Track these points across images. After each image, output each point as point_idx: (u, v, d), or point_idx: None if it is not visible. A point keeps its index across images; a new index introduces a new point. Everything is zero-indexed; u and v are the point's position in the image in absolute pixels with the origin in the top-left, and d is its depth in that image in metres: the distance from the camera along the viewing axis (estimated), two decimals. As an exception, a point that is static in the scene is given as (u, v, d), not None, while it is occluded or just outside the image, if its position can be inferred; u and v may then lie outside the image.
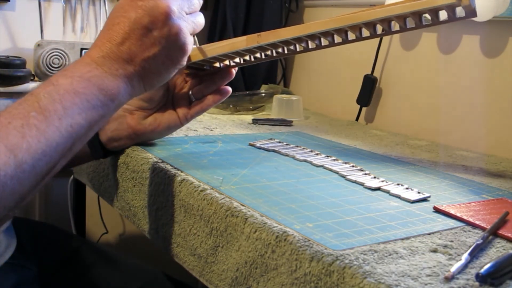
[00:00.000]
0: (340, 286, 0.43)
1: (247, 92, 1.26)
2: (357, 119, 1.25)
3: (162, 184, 0.68)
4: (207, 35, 1.44)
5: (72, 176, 1.32)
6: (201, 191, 0.61)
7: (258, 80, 1.41)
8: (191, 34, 0.60)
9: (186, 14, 0.59)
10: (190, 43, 0.60)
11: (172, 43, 0.57)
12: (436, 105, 1.10)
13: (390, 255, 0.46)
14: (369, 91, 1.21)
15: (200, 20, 0.62)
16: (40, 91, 0.50)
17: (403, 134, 1.09)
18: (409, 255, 0.47)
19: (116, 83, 0.54)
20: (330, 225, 0.52)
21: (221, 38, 1.39)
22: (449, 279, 0.42)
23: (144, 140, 0.77)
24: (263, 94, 1.24)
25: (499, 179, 0.76)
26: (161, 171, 0.69)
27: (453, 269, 0.43)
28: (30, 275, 0.76)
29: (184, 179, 0.64)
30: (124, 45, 0.55)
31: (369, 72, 1.21)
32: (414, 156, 0.88)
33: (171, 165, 0.69)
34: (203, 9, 0.65)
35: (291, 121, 1.09)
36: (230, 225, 0.55)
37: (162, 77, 0.59)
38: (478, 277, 0.42)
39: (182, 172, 0.67)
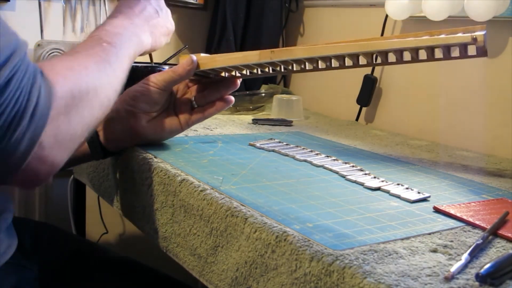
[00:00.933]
0: (340, 286, 0.43)
1: (247, 92, 1.26)
2: (357, 119, 1.25)
3: (162, 184, 0.68)
4: (207, 35, 1.44)
5: (72, 176, 1.32)
6: (201, 191, 0.61)
7: (258, 80, 1.41)
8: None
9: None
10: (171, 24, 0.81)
11: (165, 18, 0.78)
12: (436, 105, 1.10)
13: (390, 255, 0.46)
14: (369, 91, 1.21)
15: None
16: (97, 34, 0.63)
17: (403, 134, 1.09)
18: (409, 255, 0.47)
19: (139, 31, 0.71)
20: (330, 225, 0.52)
21: (221, 38, 1.39)
22: (449, 279, 0.42)
23: (145, 142, 0.78)
24: (263, 94, 1.24)
25: (499, 179, 0.76)
26: (161, 171, 0.69)
27: (453, 269, 0.43)
28: (30, 275, 0.76)
29: (184, 179, 0.64)
30: (143, 12, 0.74)
31: (369, 72, 1.21)
32: (414, 156, 0.88)
33: (171, 165, 0.69)
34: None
35: (291, 121, 1.09)
36: (230, 225, 0.55)
37: (161, 39, 0.77)
38: (478, 277, 0.42)
39: (182, 172, 0.67)
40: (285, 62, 0.71)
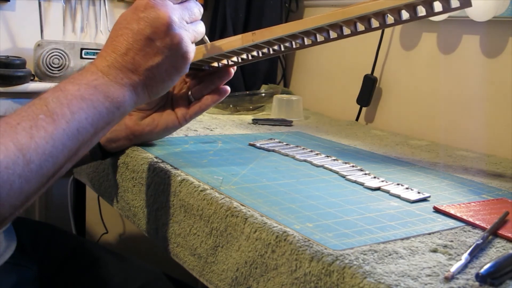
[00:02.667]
0: (340, 286, 0.43)
1: (247, 92, 1.26)
2: (357, 119, 1.25)
3: (162, 184, 0.68)
4: (207, 35, 1.44)
5: (72, 176, 1.32)
6: (201, 191, 0.61)
7: (258, 80, 1.41)
8: (192, 42, 0.62)
9: (187, 23, 0.61)
10: (192, 51, 0.61)
11: (175, 52, 0.58)
12: (436, 105, 1.10)
13: (390, 255, 0.46)
14: (369, 91, 1.21)
15: (200, 29, 0.64)
16: (48, 96, 0.51)
17: (403, 134, 1.09)
18: (409, 255, 0.47)
19: (121, 91, 0.56)
20: (330, 225, 0.52)
21: (221, 38, 1.38)
22: (449, 279, 0.42)
23: (142, 141, 0.77)
24: (263, 94, 1.24)
25: (499, 179, 0.76)
26: (161, 171, 0.69)
27: (453, 269, 0.43)
28: (30, 275, 0.76)
29: (184, 179, 0.64)
30: (128, 55, 0.57)
31: (369, 72, 1.21)
32: (414, 156, 0.88)
33: (171, 165, 0.69)
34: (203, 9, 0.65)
35: (291, 121, 1.09)
36: (230, 225, 0.55)
37: (166, 84, 0.61)
38: (478, 277, 0.42)
39: (182, 172, 0.67)
40: (269, 43, 0.69)
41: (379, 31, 1.19)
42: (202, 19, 0.65)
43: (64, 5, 1.30)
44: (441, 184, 0.70)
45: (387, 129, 1.15)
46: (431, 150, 0.94)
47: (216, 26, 1.39)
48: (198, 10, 0.63)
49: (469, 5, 0.59)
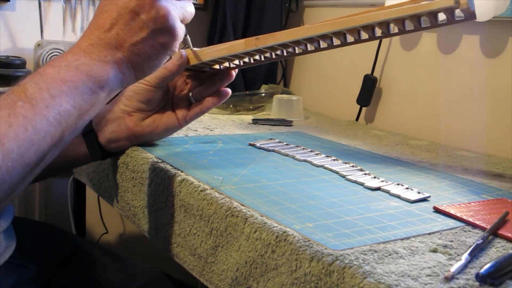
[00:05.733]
0: (340, 286, 0.43)
1: (247, 92, 1.26)
2: (357, 119, 1.25)
3: (162, 184, 0.68)
4: (207, 35, 1.44)
5: (72, 176, 1.32)
6: (201, 191, 0.61)
7: (258, 80, 1.41)
8: (181, 21, 0.59)
9: None
10: (180, 28, 0.58)
11: (160, 25, 0.56)
12: (436, 105, 1.10)
13: (390, 255, 0.46)
14: (369, 91, 1.21)
15: (189, 9, 0.61)
16: (27, 82, 0.49)
17: (403, 134, 1.09)
18: (409, 255, 0.47)
19: (105, 70, 0.53)
20: (330, 225, 0.52)
21: (221, 38, 1.39)
22: (449, 279, 0.42)
23: (143, 141, 0.78)
24: (263, 94, 1.24)
25: (499, 179, 0.76)
26: (161, 171, 0.69)
27: (453, 269, 0.43)
28: (30, 275, 0.76)
29: (184, 179, 0.64)
30: (112, 31, 0.54)
31: (369, 72, 1.21)
32: (414, 156, 0.88)
33: (171, 165, 0.69)
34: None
35: (291, 121, 1.09)
36: (230, 225, 0.55)
37: (152, 62, 0.58)
38: (478, 277, 0.42)
39: (182, 172, 0.67)
40: (272, 48, 0.70)
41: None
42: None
43: (64, 5, 1.31)
44: (441, 184, 0.70)
45: (387, 129, 1.15)
46: (431, 150, 0.94)
47: (216, 26, 1.39)
48: None
49: (474, 18, 0.60)
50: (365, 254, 0.46)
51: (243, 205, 0.56)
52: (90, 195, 1.31)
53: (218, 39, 1.39)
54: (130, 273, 0.87)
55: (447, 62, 1.08)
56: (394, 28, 0.63)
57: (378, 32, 0.64)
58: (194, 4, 0.76)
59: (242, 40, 0.69)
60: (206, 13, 1.48)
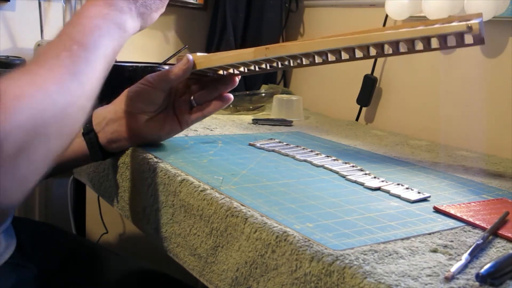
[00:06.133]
0: (340, 286, 0.43)
1: (247, 92, 1.26)
2: (357, 119, 1.25)
3: (162, 184, 0.68)
4: (207, 35, 1.44)
5: (72, 176, 1.32)
6: (201, 191, 0.61)
7: (258, 80, 1.41)
8: None
9: None
10: None
11: None
12: (436, 105, 1.10)
13: (390, 255, 0.46)
14: (369, 91, 1.21)
15: None
16: (69, 31, 0.56)
17: (403, 134, 1.09)
18: (409, 255, 0.47)
19: (124, 18, 0.62)
20: (330, 225, 0.52)
21: (221, 38, 1.39)
22: (449, 279, 0.42)
23: (143, 142, 0.78)
24: (263, 94, 1.24)
25: (499, 179, 0.76)
26: (161, 171, 0.69)
27: (453, 269, 0.43)
28: (30, 275, 0.76)
29: (184, 179, 0.64)
30: None
31: (369, 72, 1.21)
32: (414, 156, 0.88)
33: (171, 165, 0.69)
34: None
35: (291, 121, 1.09)
36: (230, 225, 0.55)
37: (153, 15, 0.69)
38: (478, 277, 0.42)
39: (182, 172, 0.67)
40: (281, 58, 0.70)
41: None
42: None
43: (64, 5, 1.30)
44: (441, 184, 0.70)
45: (387, 129, 1.15)
46: (431, 150, 0.94)
47: (216, 26, 1.39)
48: None
49: (482, 43, 0.61)
50: (365, 254, 0.46)
51: (243, 205, 0.56)
52: (90, 195, 1.31)
53: (218, 39, 1.39)
54: (130, 273, 0.87)
55: (447, 62, 1.08)
56: (403, 47, 0.65)
57: (388, 50, 0.66)
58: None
59: (252, 49, 0.70)
60: (206, 13, 1.48)
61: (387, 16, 1.15)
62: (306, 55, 0.69)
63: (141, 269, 0.89)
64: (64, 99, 0.49)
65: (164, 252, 0.68)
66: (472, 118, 1.03)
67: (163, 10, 0.71)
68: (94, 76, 0.54)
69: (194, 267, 0.61)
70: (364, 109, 1.25)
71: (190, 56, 0.74)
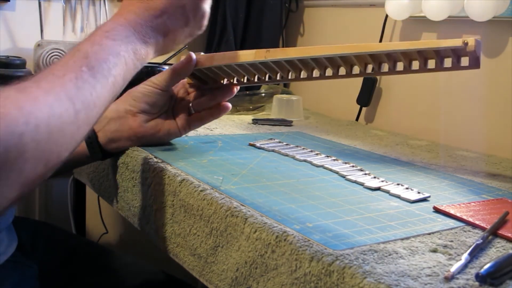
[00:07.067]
0: (340, 286, 0.43)
1: (247, 92, 1.26)
2: (357, 119, 1.25)
3: (162, 184, 0.68)
4: (207, 35, 1.44)
5: (72, 176, 1.32)
6: (201, 191, 0.61)
7: (258, 80, 1.41)
8: None
9: None
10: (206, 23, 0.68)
11: (199, 23, 0.66)
12: (436, 105, 1.10)
13: (390, 255, 0.46)
14: (369, 91, 1.21)
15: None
16: (87, 49, 0.54)
17: (403, 134, 1.09)
18: (409, 255, 0.47)
19: (146, 50, 0.60)
20: (330, 225, 0.52)
21: (221, 38, 1.39)
22: (449, 279, 0.42)
23: (143, 143, 0.78)
24: (263, 94, 1.24)
25: (499, 179, 0.76)
26: (161, 171, 0.69)
27: (453, 269, 0.43)
28: (31, 273, 0.76)
29: (184, 179, 0.64)
30: (161, 17, 0.61)
31: (369, 72, 1.21)
32: (414, 156, 0.88)
33: (171, 165, 0.69)
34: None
35: (291, 121, 1.09)
36: (230, 225, 0.55)
37: (178, 47, 0.68)
38: (478, 277, 0.42)
39: (182, 172, 0.67)
40: (280, 67, 0.72)
41: (379, 32, 1.19)
42: None
43: (64, 5, 1.31)
44: (441, 184, 0.70)
45: (387, 129, 1.15)
46: (431, 150, 0.94)
47: (216, 26, 1.39)
48: None
49: (478, 66, 0.62)
50: (365, 254, 0.46)
51: (243, 205, 0.56)
52: (90, 195, 1.31)
53: (218, 40, 1.39)
54: (130, 273, 0.87)
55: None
56: (400, 66, 0.66)
57: (385, 67, 0.67)
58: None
59: (253, 51, 0.72)
60: (206, 13, 1.48)
61: (387, 16, 1.15)
62: (305, 66, 0.70)
63: (141, 269, 0.89)
64: (50, 123, 0.45)
65: (164, 252, 0.68)
66: (472, 118, 1.03)
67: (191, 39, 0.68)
68: (95, 103, 0.51)
69: (194, 267, 0.61)
70: (364, 109, 1.25)
71: (193, 54, 0.75)
